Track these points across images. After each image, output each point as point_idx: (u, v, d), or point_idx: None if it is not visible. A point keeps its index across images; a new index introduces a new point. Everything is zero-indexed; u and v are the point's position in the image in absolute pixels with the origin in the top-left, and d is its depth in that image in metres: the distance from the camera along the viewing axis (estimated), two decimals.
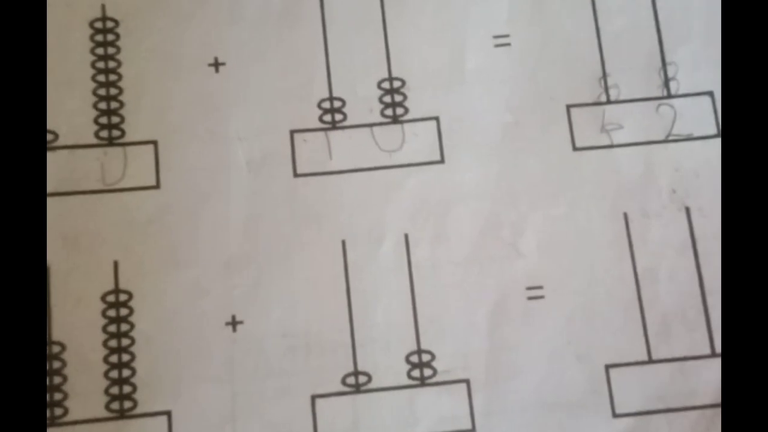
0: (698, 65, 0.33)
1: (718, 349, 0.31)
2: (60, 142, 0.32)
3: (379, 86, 0.33)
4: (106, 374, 0.30)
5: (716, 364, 0.31)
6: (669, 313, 0.31)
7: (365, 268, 0.32)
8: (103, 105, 0.32)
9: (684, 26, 0.34)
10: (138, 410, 0.30)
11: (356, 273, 0.32)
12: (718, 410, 0.31)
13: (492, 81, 0.34)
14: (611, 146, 0.33)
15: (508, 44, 0.34)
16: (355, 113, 0.33)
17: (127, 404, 0.30)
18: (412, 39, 0.34)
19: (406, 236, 0.32)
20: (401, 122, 0.33)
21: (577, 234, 0.32)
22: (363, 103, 0.33)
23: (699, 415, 0.31)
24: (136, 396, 0.30)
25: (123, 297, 0.31)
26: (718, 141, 0.33)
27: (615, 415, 0.31)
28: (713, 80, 0.33)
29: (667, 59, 0.34)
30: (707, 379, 0.31)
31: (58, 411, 0.30)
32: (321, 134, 0.33)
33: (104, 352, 0.31)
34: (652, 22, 0.34)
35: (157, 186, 0.32)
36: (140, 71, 0.33)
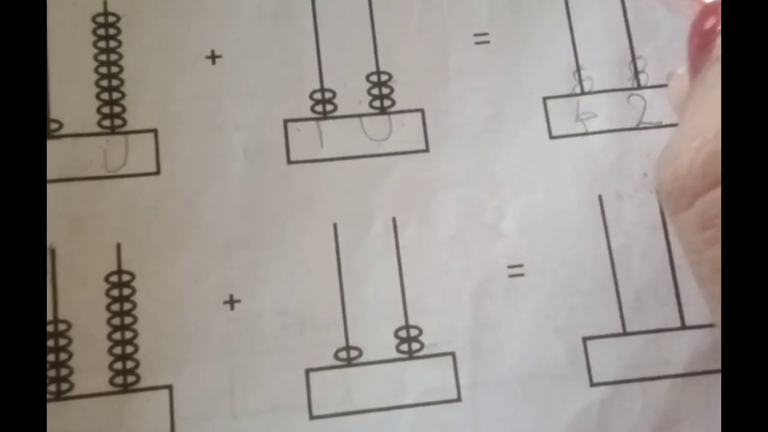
0: (665, 59, 0.36)
1: (688, 321, 0.33)
2: (65, 130, 0.33)
3: (367, 79, 0.35)
4: (110, 350, 0.32)
5: (686, 335, 0.33)
6: (642, 288, 0.33)
7: (356, 250, 0.34)
8: (105, 95, 0.34)
9: (651, 24, 0.36)
10: (141, 384, 0.32)
11: (347, 254, 0.34)
12: (689, 378, 0.33)
13: (473, 76, 0.36)
14: (586, 134, 0.35)
15: (488, 42, 0.36)
16: (344, 104, 0.35)
17: (131, 379, 0.32)
18: (399, 36, 0.36)
19: (394, 220, 0.34)
20: (388, 113, 0.35)
21: (555, 216, 0.34)
22: (352, 95, 0.35)
23: (671, 384, 0.33)
24: (139, 371, 0.32)
25: (126, 278, 0.32)
26: None
27: (593, 384, 0.33)
28: None
29: (637, 54, 0.36)
30: (678, 350, 0.33)
31: (64, 386, 0.31)
32: (313, 123, 0.35)
33: (108, 329, 0.32)
34: (622, 21, 0.36)
35: (157, 172, 0.33)
36: (141, 63, 0.34)
